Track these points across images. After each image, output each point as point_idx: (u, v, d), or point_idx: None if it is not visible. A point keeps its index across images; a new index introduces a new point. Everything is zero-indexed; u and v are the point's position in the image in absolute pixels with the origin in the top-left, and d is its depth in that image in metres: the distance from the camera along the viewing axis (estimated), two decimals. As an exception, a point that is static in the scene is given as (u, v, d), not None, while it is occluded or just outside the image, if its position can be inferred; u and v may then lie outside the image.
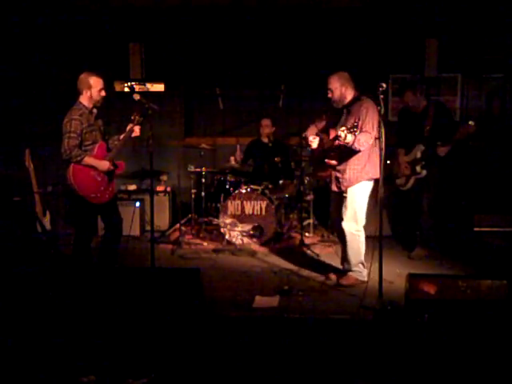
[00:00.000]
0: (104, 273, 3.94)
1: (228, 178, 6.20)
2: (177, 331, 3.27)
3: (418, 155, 5.05)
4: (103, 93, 4.33)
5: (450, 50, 6.62)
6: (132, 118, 4.41)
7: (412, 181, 5.15)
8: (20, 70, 6.78)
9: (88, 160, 4.22)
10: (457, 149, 5.10)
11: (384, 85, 3.88)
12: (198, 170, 6.25)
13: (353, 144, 4.15)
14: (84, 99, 4.30)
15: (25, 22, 6.67)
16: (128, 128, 4.42)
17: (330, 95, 4.39)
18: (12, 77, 6.74)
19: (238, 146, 6.57)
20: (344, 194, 4.43)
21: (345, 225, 4.39)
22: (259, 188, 5.89)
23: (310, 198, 6.22)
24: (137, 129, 4.43)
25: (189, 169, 6.31)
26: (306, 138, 4.57)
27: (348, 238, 4.41)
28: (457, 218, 5.98)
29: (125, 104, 5.95)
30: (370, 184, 4.42)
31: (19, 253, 5.00)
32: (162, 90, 7.01)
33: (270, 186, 5.99)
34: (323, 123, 4.63)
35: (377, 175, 4.29)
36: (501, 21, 6.40)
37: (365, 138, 4.17)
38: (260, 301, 4.05)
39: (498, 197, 5.67)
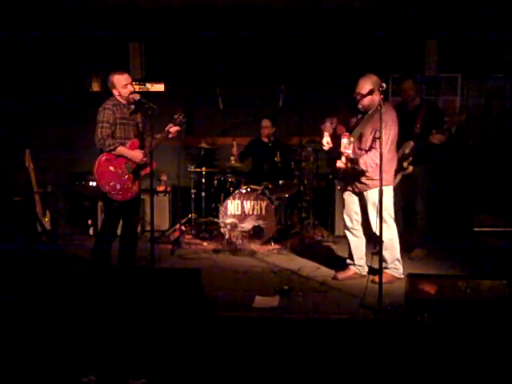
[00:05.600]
0: (104, 273, 3.94)
1: (228, 178, 6.20)
2: (177, 331, 3.27)
3: (407, 151, 5.03)
4: (130, 87, 4.27)
5: (450, 50, 6.62)
6: (175, 117, 4.35)
7: (398, 178, 5.10)
8: (20, 70, 6.78)
9: (121, 150, 4.20)
10: (457, 148, 5.11)
11: (384, 85, 3.88)
12: (198, 170, 6.25)
13: (360, 166, 4.20)
14: (117, 96, 4.29)
15: (24, 23, 6.67)
16: (167, 128, 4.34)
17: (359, 99, 4.21)
18: (12, 77, 6.74)
19: (235, 143, 6.52)
20: (363, 198, 4.45)
21: (375, 230, 4.33)
22: (259, 188, 5.89)
23: (309, 197, 6.22)
24: (175, 129, 4.37)
25: (189, 169, 6.31)
26: (322, 133, 4.48)
27: (385, 241, 4.37)
28: (457, 218, 5.98)
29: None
30: (389, 188, 4.43)
31: (19, 253, 5.00)
32: (162, 89, 7.01)
33: (270, 186, 5.99)
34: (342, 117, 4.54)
35: (391, 182, 4.41)
36: (501, 21, 6.40)
37: (371, 159, 4.17)
38: (260, 301, 4.05)
39: (498, 197, 5.67)
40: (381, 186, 3.90)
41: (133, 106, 4.35)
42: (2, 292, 3.62)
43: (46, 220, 5.38)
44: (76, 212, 6.70)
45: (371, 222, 4.37)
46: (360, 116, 4.39)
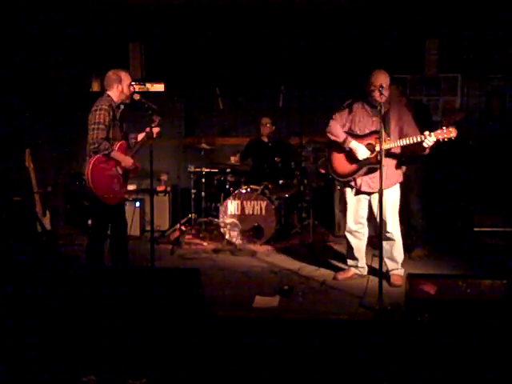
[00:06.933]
0: (104, 273, 3.94)
1: (228, 178, 6.20)
2: (177, 331, 3.27)
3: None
4: (132, 88, 4.28)
5: (450, 50, 6.62)
6: (157, 120, 4.30)
7: None
8: (20, 70, 6.78)
9: (114, 154, 4.15)
10: (457, 148, 5.09)
11: (384, 85, 3.88)
12: (198, 169, 6.26)
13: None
14: (113, 94, 4.21)
15: (24, 23, 6.66)
16: (147, 130, 4.31)
17: (381, 95, 3.95)
18: (12, 77, 6.74)
19: (237, 156, 6.55)
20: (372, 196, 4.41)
21: (391, 229, 4.35)
22: (259, 188, 5.89)
23: (309, 197, 6.22)
24: (158, 130, 4.35)
25: (189, 169, 6.32)
26: (370, 149, 4.25)
27: (396, 240, 4.40)
28: (457, 218, 5.98)
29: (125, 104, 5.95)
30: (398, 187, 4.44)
31: (19, 252, 5.00)
32: (162, 89, 7.02)
33: (270, 186, 5.99)
34: (344, 119, 4.38)
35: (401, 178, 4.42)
36: (501, 21, 6.40)
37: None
38: (260, 301, 4.05)
39: (498, 197, 5.68)
40: (381, 184, 3.90)
41: (122, 106, 4.32)
42: (1, 292, 3.62)
43: (46, 220, 5.38)
44: (76, 212, 6.70)
45: (387, 222, 4.32)
46: (375, 115, 4.19)
